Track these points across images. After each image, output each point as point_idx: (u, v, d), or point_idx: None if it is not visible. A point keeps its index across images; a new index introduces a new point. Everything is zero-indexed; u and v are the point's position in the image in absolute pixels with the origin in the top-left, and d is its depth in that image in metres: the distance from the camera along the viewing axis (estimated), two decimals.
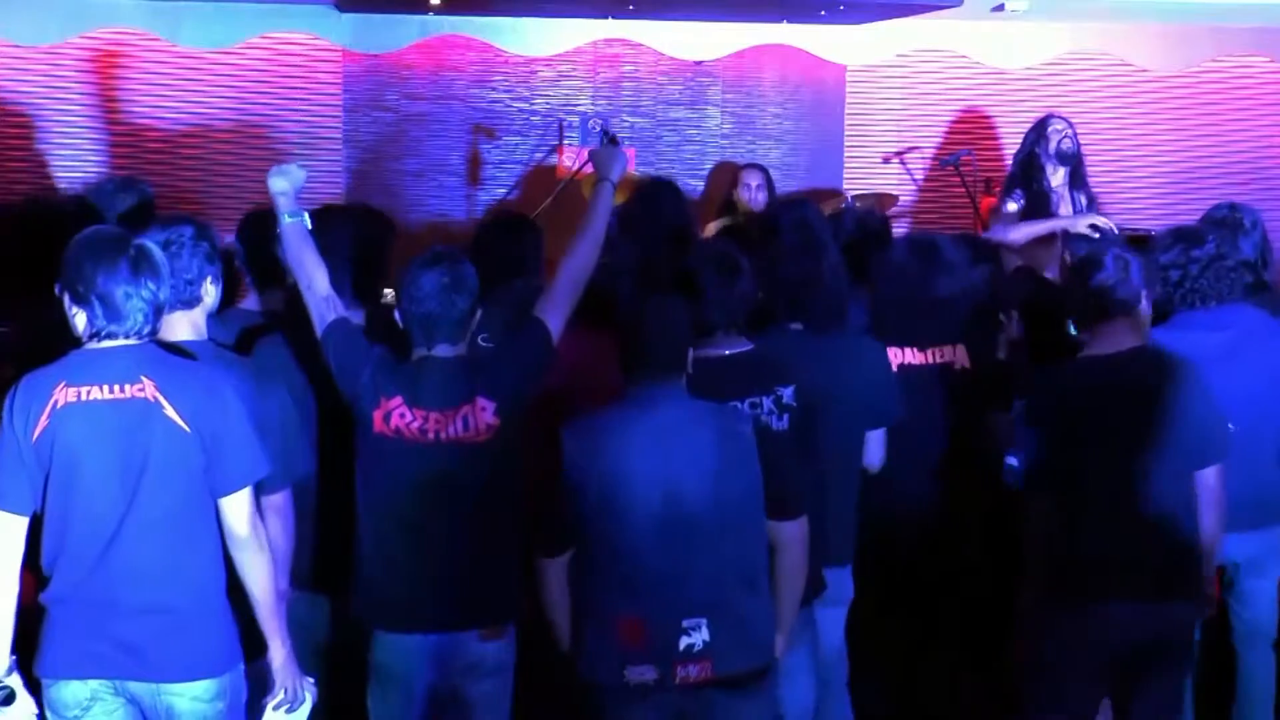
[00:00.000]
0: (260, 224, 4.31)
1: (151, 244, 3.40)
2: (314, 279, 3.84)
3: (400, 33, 7.47)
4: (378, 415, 3.67)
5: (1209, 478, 3.95)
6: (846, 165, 8.01)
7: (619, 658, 3.54)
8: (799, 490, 3.71)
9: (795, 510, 3.68)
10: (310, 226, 3.92)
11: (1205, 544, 3.97)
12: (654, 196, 4.78)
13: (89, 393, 3.24)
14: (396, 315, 3.77)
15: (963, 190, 7.34)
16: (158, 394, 3.25)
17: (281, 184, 3.93)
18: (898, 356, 4.45)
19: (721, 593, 3.56)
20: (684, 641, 3.52)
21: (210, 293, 3.66)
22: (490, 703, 3.81)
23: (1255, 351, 4.44)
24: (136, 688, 3.30)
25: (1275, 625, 4.67)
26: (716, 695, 3.56)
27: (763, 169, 7.02)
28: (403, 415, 3.66)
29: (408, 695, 3.76)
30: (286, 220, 3.90)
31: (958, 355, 4.52)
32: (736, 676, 3.58)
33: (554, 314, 3.84)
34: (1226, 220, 4.80)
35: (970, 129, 7.95)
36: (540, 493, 3.69)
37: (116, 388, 3.25)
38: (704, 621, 3.53)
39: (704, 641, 3.52)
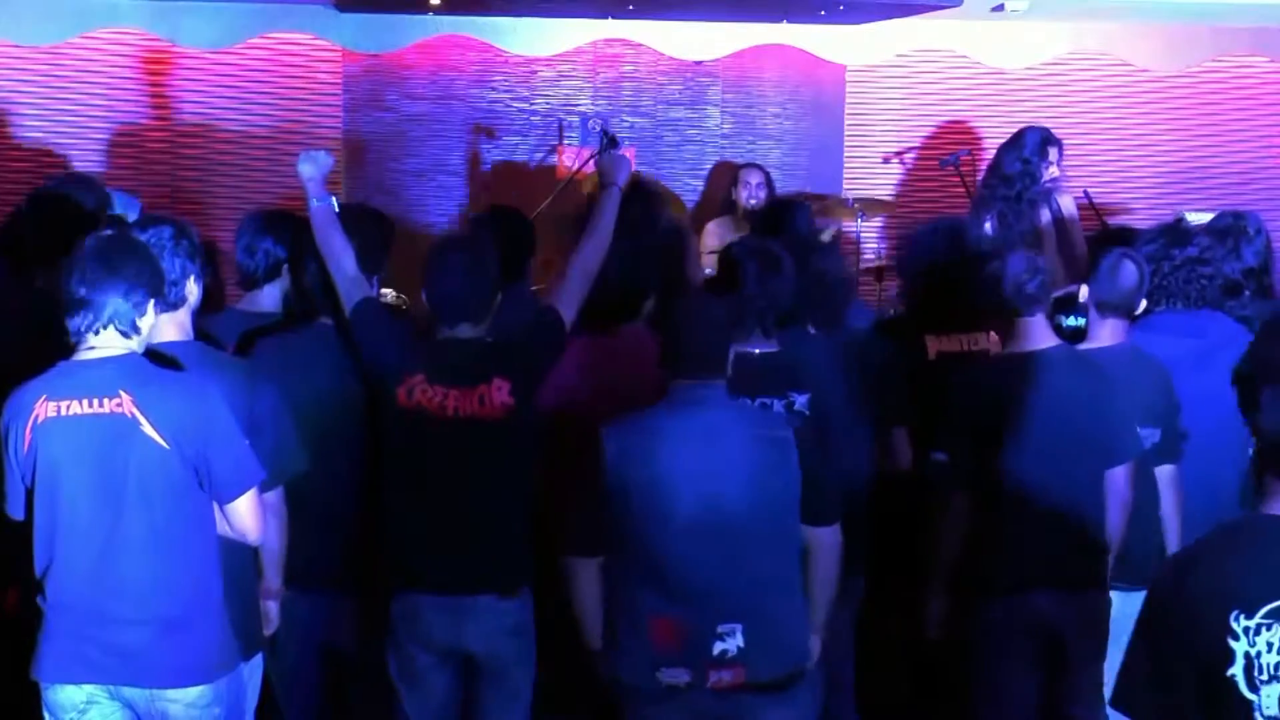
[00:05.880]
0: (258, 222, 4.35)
1: (137, 242, 3.40)
2: (342, 260, 3.99)
3: (400, 33, 7.47)
4: (401, 390, 3.79)
5: (1117, 477, 4.02)
6: (846, 165, 8.01)
7: (652, 659, 3.49)
8: (834, 495, 3.65)
9: (831, 516, 3.63)
10: (337, 210, 4.07)
11: (1110, 540, 4.03)
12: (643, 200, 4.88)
13: (68, 407, 3.21)
14: (423, 296, 3.88)
15: (963, 190, 7.34)
16: (135, 410, 3.20)
17: (309, 169, 4.11)
18: (934, 345, 4.46)
19: (757, 598, 3.51)
20: (718, 646, 3.47)
21: (193, 291, 3.65)
22: (512, 663, 3.88)
23: (1227, 363, 4.42)
24: (131, 693, 3.28)
25: None
26: (749, 699, 3.51)
27: (762, 168, 7.03)
28: (424, 390, 3.79)
29: (423, 654, 3.84)
30: (314, 204, 4.06)
31: (990, 343, 4.52)
32: (770, 682, 3.53)
33: (566, 307, 3.98)
34: (1230, 229, 4.76)
35: (970, 129, 7.94)
36: (570, 493, 3.64)
37: (95, 402, 3.21)
38: (739, 627, 3.47)
39: (738, 647, 3.47)
